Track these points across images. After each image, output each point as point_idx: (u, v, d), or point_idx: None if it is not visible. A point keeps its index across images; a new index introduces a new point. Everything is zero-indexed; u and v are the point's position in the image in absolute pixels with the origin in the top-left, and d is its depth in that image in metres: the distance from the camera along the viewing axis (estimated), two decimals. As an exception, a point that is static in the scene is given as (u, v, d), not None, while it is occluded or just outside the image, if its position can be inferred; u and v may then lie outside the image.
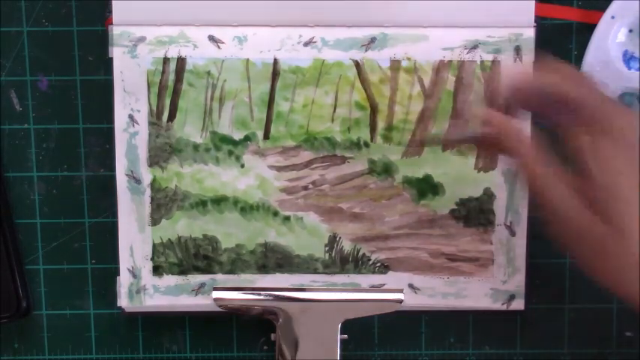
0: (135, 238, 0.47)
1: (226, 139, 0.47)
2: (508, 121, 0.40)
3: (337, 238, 0.48)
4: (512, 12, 0.45)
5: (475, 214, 0.47)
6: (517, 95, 0.40)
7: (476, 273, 0.48)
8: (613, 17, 0.46)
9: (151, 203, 0.47)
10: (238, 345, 0.50)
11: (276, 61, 0.46)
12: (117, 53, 0.46)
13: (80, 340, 0.50)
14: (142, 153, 0.47)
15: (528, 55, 0.46)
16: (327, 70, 0.46)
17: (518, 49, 0.46)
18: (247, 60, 0.46)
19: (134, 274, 0.47)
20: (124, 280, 0.48)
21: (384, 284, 0.48)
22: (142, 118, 0.46)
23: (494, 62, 0.46)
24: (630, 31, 0.46)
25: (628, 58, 0.47)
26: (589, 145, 0.37)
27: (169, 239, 0.47)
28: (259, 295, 0.46)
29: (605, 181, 0.37)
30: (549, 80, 0.38)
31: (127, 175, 0.47)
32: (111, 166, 0.47)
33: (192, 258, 0.48)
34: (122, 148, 0.47)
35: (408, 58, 0.46)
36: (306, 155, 0.47)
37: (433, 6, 0.45)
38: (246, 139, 0.47)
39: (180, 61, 0.46)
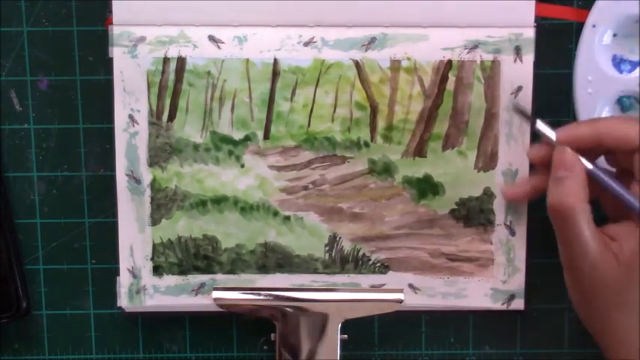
0: (135, 238, 0.47)
1: (226, 139, 0.47)
2: (566, 152, 0.42)
3: (337, 238, 0.48)
4: (512, 12, 0.45)
5: (475, 213, 0.47)
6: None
7: (476, 273, 0.48)
8: (594, 26, 0.46)
9: (151, 203, 0.47)
10: (238, 345, 0.50)
11: (276, 61, 0.46)
12: (117, 53, 0.46)
13: (80, 340, 0.50)
14: (142, 153, 0.47)
15: (528, 55, 0.46)
16: (327, 70, 0.46)
17: (518, 49, 0.46)
18: (247, 60, 0.46)
19: (134, 274, 0.47)
20: (124, 280, 0.47)
21: (384, 284, 0.48)
22: (142, 118, 0.46)
23: (494, 62, 0.46)
24: (615, 35, 0.46)
25: (618, 62, 0.47)
26: None
27: (169, 239, 0.47)
28: (259, 295, 0.46)
29: None
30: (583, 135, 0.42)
31: (127, 175, 0.47)
32: (111, 166, 0.47)
33: (192, 258, 0.47)
34: (122, 148, 0.47)
35: (408, 58, 0.46)
36: (306, 155, 0.47)
37: (433, 6, 0.45)
38: (246, 139, 0.47)
39: (180, 61, 0.46)
